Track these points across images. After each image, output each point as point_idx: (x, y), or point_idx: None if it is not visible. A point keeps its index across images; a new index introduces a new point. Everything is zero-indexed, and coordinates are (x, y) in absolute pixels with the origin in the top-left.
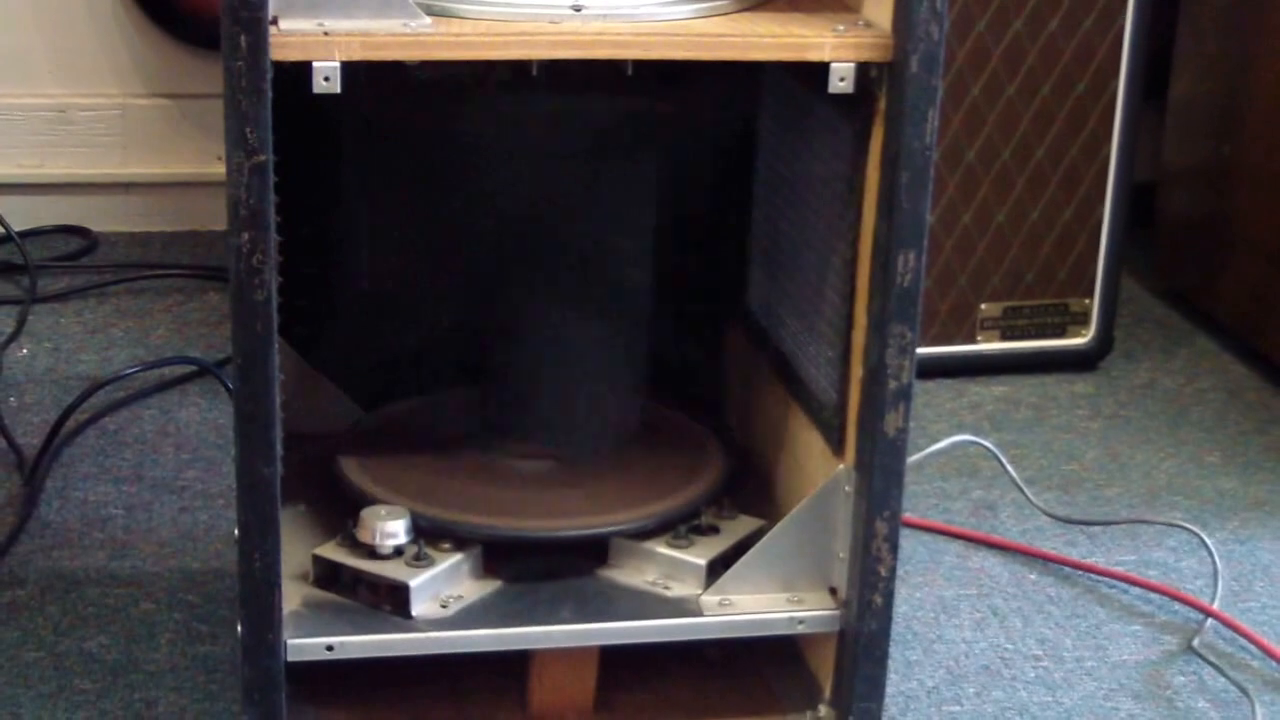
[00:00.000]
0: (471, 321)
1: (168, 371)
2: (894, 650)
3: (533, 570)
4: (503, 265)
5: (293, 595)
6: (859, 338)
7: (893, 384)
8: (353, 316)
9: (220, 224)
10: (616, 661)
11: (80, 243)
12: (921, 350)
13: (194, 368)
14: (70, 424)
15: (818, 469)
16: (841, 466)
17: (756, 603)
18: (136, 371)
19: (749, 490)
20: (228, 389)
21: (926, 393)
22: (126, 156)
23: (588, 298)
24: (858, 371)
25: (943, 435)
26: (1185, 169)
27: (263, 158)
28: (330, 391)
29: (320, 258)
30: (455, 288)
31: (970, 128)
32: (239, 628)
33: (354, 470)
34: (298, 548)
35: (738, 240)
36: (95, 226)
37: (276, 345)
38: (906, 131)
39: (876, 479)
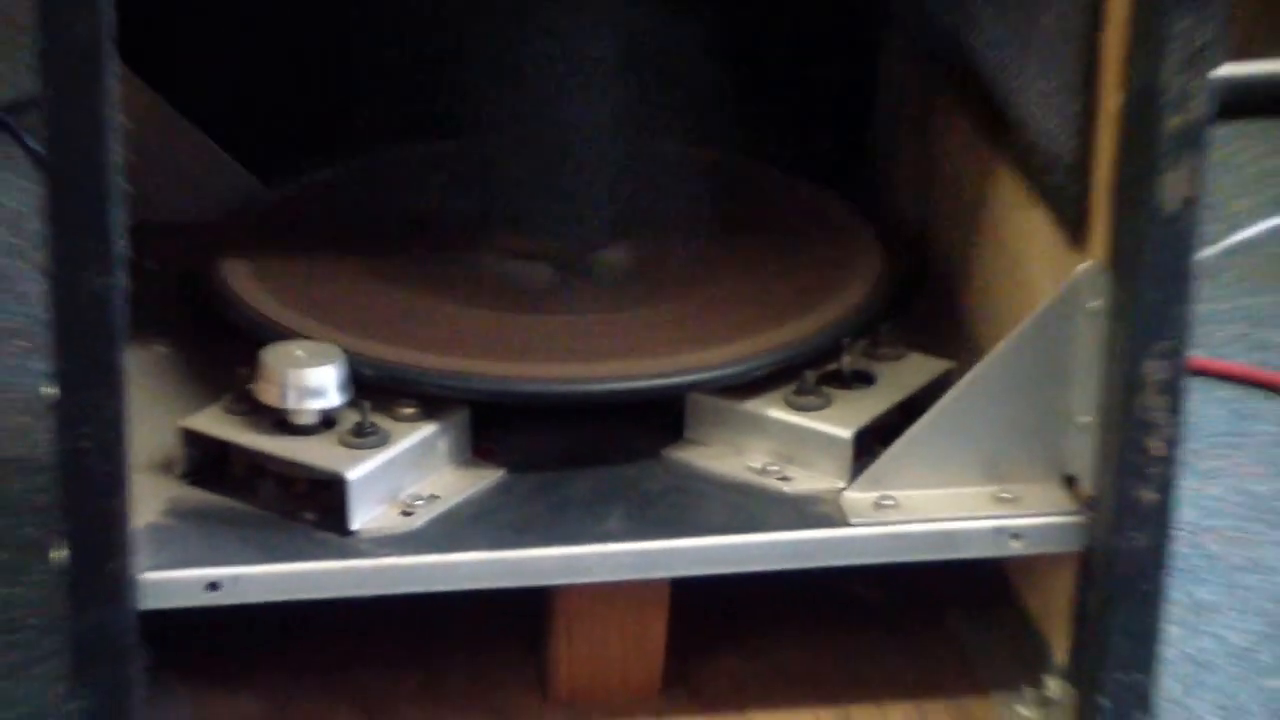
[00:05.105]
0: (439, 43)
1: None
2: (1175, 583)
3: (555, 451)
4: None
5: (150, 498)
6: (1113, 40)
7: (1174, 120)
8: (247, 37)
9: None
10: (699, 606)
11: None
12: (1226, 68)
13: None
14: None
15: (1043, 270)
16: (1085, 265)
17: (937, 502)
18: None
19: (924, 311)
20: (28, 148)
21: (1227, 139)
22: None
23: None
24: (1111, 99)
25: (1256, 216)
26: None
27: None
28: (212, 155)
29: None
30: None
31: None
32: (55, 552)
33: (249, 283)
34: (156, 417)
35: None
36: None
37: (115, 66)
38: None
39: (1146, 288)
